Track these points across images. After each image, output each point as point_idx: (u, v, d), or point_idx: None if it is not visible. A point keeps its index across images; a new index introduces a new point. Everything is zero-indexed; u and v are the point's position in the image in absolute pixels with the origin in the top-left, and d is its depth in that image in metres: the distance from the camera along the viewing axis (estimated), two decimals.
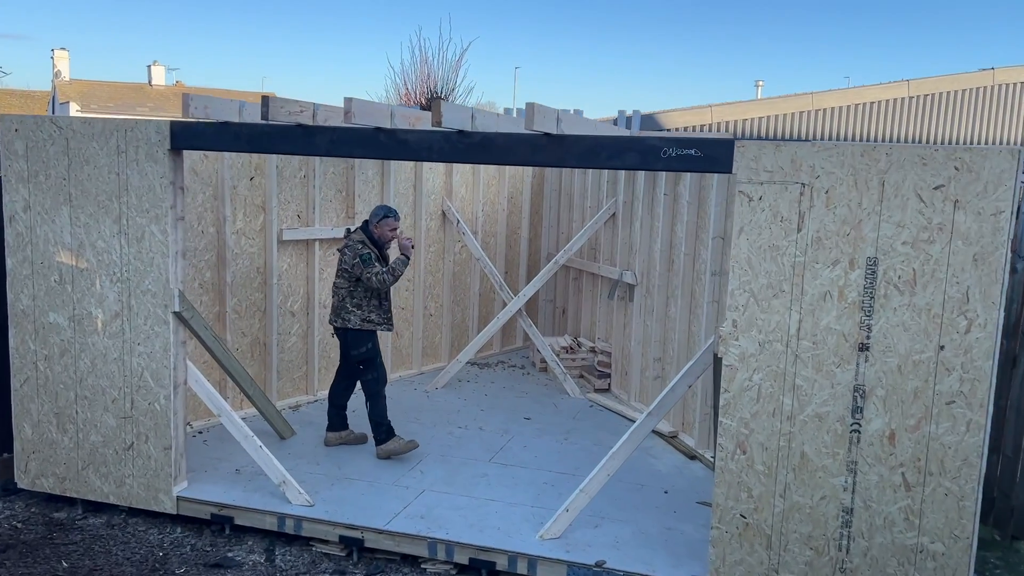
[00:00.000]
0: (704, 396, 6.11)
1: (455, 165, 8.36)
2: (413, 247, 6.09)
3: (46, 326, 5.17)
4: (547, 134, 4.24)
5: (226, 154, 6.23)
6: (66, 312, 5.12)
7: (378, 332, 6.00)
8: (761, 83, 38.22)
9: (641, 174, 7.22)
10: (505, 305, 8.21)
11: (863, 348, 3.93)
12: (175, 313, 4.97)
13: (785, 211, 3.97)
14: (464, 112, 4.35)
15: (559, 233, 9.39)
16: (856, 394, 3.97)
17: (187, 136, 4.80)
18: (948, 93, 15.45)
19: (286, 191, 6.82)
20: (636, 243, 7.36)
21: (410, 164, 7.90)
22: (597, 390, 7.85)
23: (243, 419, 5.47)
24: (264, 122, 4.72)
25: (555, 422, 6.94)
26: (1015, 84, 14.75)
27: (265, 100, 4.36)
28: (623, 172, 7.60)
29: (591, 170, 8.38)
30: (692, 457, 6.17)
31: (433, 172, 8.19)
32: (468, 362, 8.11)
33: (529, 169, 9.28)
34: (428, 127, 4.62)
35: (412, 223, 8.00)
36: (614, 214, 7.91)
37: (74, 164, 4.97)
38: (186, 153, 5.98)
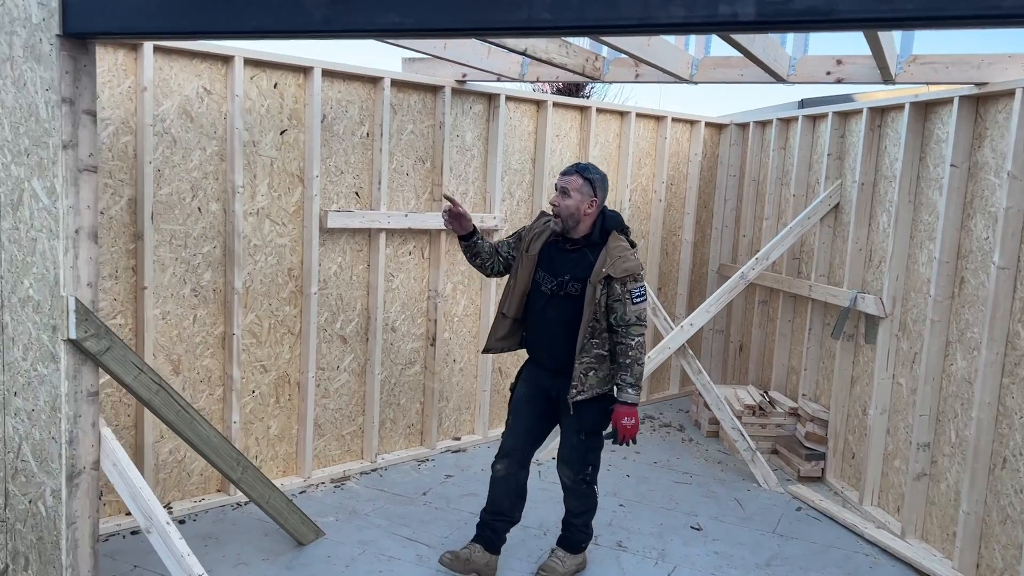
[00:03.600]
0: None
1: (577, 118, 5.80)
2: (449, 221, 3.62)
3: None
4: None
5: (238, 92, 3.98)
6: None
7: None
8: None
9: (898, 143, 4.43)
10: (661, 338, 5.57)
11: None
12: (69, 341, 2.71)
13: None
14: None
15: (739, 235, 6.63)
16: None
17: (92, 7, 2.53)
18: None
19: (339, 154, 4.51)
20: (887, 249, 4.55)
21: (528, 125, 5.43)
22: (803, 478, 5.06)
23: (239, 505, 3.15)
24: None
25: (743, 540, 4.22)
26: None
27: None
28: (858, 142, 4.83)
29: (797, 145, 5.62)
30: None
31: (562, 142, 5.69)
32: None
33: (700, 140, 6.58)
34: None
35: (522, 207, 5.53)
36: (837, 205, 5.13)
37: None
38: (173, 85, 3.76)
